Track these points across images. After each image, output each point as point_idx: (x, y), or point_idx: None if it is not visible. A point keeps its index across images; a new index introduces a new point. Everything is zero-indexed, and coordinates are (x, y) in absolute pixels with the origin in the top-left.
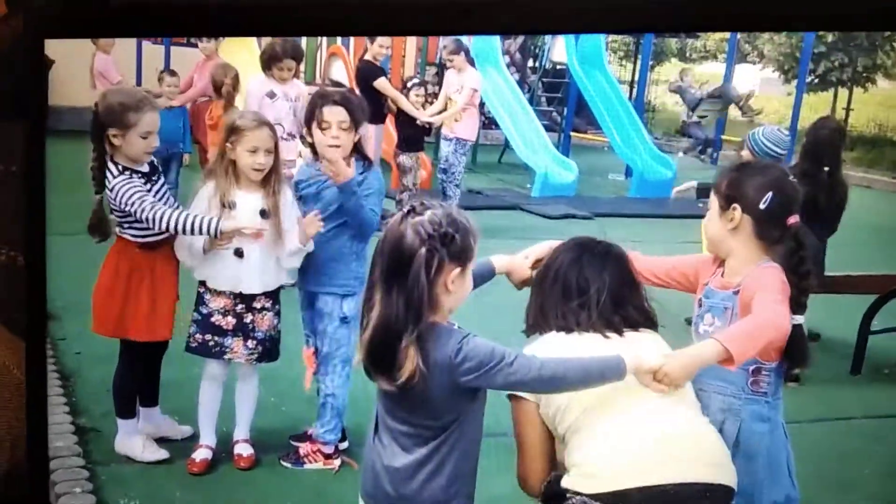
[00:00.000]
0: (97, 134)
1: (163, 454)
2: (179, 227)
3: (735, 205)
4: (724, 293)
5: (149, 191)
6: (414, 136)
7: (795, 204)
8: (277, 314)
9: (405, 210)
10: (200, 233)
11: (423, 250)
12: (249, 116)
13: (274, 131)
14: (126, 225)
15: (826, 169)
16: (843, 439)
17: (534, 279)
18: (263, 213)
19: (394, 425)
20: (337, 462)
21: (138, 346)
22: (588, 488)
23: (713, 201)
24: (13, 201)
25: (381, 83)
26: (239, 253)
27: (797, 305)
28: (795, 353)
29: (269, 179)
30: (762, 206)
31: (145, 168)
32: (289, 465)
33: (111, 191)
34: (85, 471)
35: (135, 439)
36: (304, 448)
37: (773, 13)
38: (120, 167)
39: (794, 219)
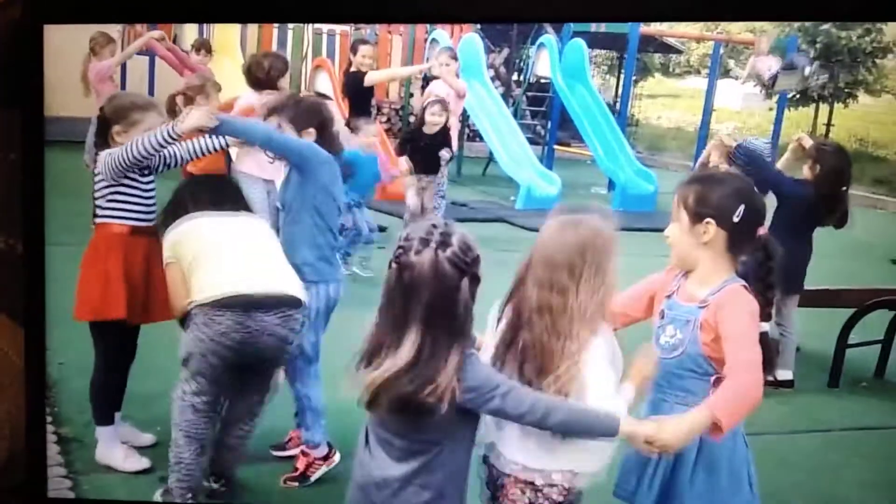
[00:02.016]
0: (102, 133)
1: (144, 463)
2: (142, 145)
3: (708, 219)
4: (688, 306)
5: None
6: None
7: (763, 214)
8: None
9: (434, 245)
10: (161, 144)
11: (466, 280)
12: None
13: None
14: (108, 203)
15: None
16: (821, 451)
17: None
18: None
19: (384, 436)
20: (336, 456)
21: (112, 347)
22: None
23: (680, 214)
24: (11, 189)
25: (371, 77)
26: None
27: (763, 314)
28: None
29: None
30: (735, 220)
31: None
32: (297, 485)
33: (100, 165)
34: (67, 480)
35: (115, 449)
36: (300, 462)
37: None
38: None
39: (762, 229)
